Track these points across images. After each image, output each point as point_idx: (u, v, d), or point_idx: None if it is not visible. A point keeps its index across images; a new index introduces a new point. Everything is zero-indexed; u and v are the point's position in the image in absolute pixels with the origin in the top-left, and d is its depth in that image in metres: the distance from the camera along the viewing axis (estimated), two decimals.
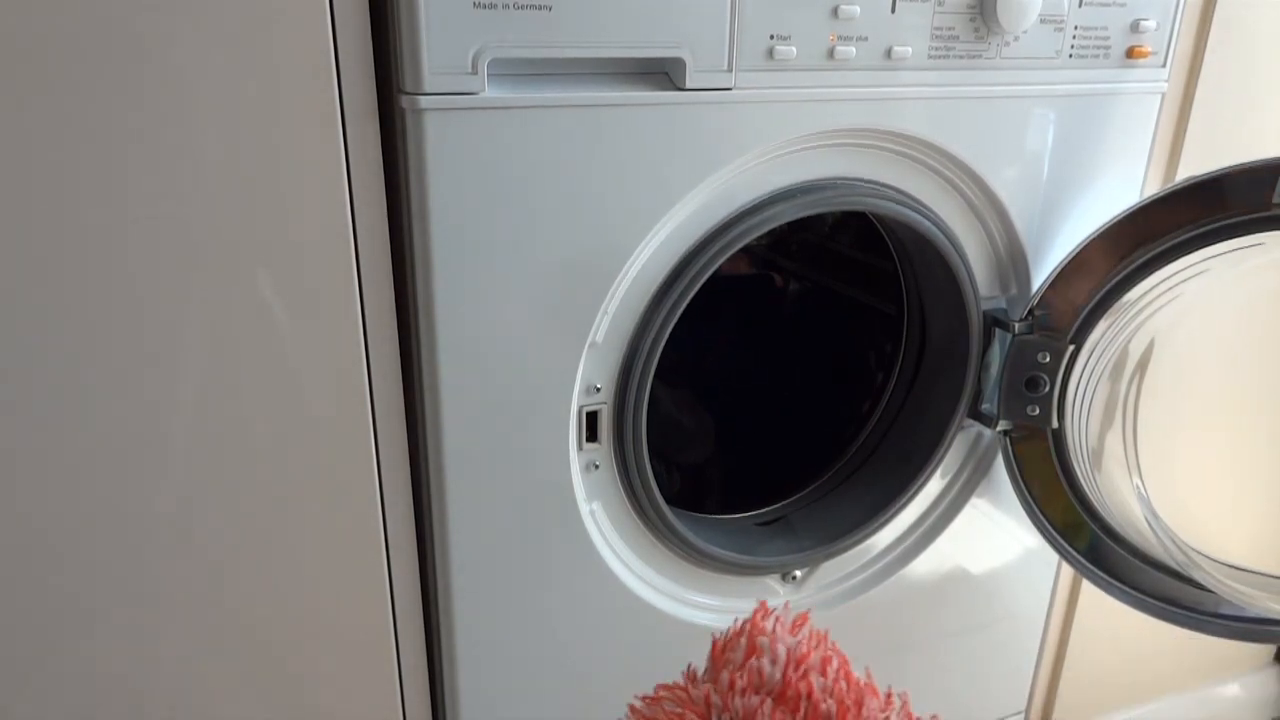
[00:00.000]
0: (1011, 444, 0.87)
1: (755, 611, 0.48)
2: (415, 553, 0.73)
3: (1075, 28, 0.75)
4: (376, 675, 0.74)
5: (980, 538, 0.94)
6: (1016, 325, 0.82)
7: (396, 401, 0.68)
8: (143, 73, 0.53)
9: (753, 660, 0.45)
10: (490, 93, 0.60)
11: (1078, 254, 0.78)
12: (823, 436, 1.05)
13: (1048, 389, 0.83)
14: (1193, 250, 0.76)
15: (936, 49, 0.71)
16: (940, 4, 0.70)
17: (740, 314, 1.09)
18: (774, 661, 0.45)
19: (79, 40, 0.52)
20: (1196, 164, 0.90)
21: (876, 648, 0.95)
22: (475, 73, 0.59)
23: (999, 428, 0.86)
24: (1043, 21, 0.74)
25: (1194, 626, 0.86)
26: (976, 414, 0.87)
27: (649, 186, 0.67)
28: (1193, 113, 0.89)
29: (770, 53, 0.66)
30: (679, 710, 0.45)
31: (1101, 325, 0.80)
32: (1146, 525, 0.83)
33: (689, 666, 0.48)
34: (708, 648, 0.48)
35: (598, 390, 0.73)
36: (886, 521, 0.88)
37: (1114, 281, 0.79)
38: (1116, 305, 0.79)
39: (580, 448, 0.74)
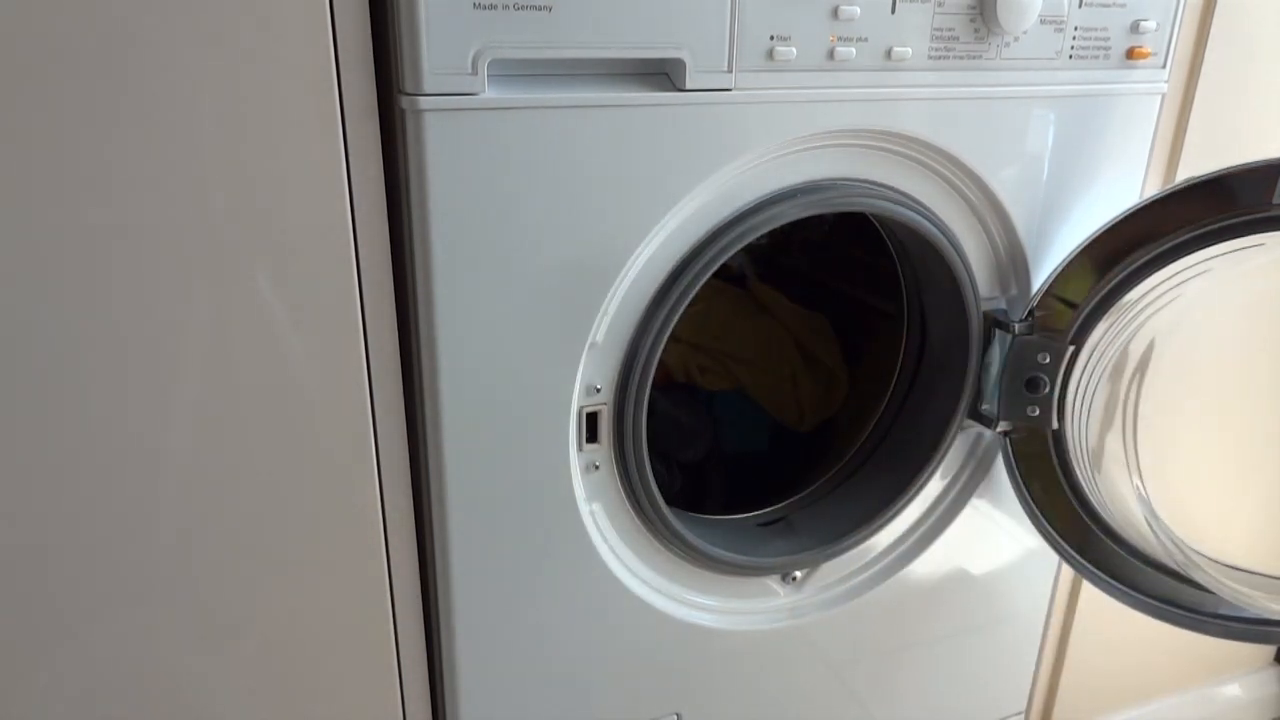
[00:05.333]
0: (1011, 445, 0.87)
1: None
2: (415, 553, 0.73)
3: (1075, 28, 0.75)
4: (376, 675, 0.74)
5: (980, 538, 0.94)
6: (1016, 326, 0.82)
7: (396, 401, 0.68)
8: (142, 73, 0.53)
9: None
10: (490, 93, 0.60)
11: (1078, 254, 0.78)
12: (823, 437, 1.05)
13: (1048, 389, 0.83)
14: (1193, 250, 0.76)
15: (936, 50, 0.71)
16: (940, 4, 0.70)
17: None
18: None
19: (78, 40, 0.52)
20: (1196, 164, 0.90)
21: (876, 648, 0.95)
22: (475, 73, 0.59)
23: (999, 428, 0.86)
24: (1043, 22, 0.74)
25: (1194, 627, 0.86)
26: (976, 414, 0.87)
27: (649, 187, 0.67)
28: (1193, 113, 0.89)
29: (770, 53, 0.66)
30: None
31: (1101, 326, 0.80)
32: (1146, 525, 0.83)
33: None
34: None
35: (598, 391, 0.73)
36: (887, 522, 0.88)
37: (1114, 282, 0.79)
38: (1116, 305, 0.79)
39: (580, 448, 0.74)
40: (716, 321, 1.06)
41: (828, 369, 1.05)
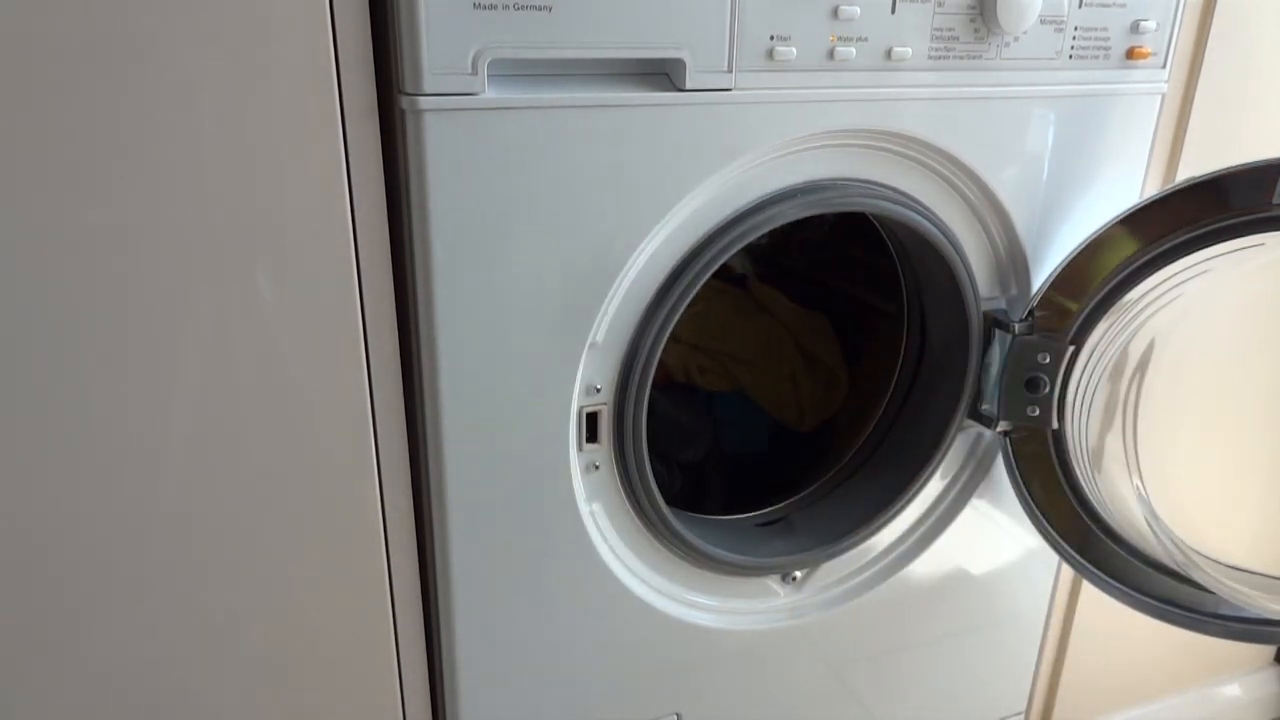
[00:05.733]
0: (1011, 445, 0.87)
1: None
2: (415, 553, 0.73)
3: (1075, 28, 0.75)
4: (376, 675, 0.74)
5: (980, 538, 0.94)
6: (1016, 326, 0.82)
7: (396, 401, 0.68)
8: (142, 73, 0.53)
9: None
10: (490, 93, 0.60)
11: (1078, 254, 0.78)
12: (823, 437, 1.05)
13: (1048, 389, 0.83)
14: (1193, 251, 0.76)
15: (936, 50, 0.71)
16: (940, 4, 0.70)
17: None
18: None
19: (78, 40, 0.52)
20: (1196, 164, 0.90)
21: (877, 648, 0.95)
22: (475, 73, 0.59)
23: (999, 428, 0.86)
24: (1043, 22, 0.74)
25: (1194, 626, 0.86)
26: (976, 414, 0.87)
27: (649, 187, 0.67)
28: (1193, 113, 0.89)
29: (770, 53, 0.66)
30: None
31: (1101, 326, 0.80)
32: (1146, 526, 0.83)
33: None
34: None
35: (598, 391, 0.73)
36: (887, 522, 0.88)
37: (1114, 282, 0.79)
38: (1116, 305, 0.79)
39: (580, 448, 0.74)
40: (716, 321, 1.06)
41: (828, 369, 1.05)
